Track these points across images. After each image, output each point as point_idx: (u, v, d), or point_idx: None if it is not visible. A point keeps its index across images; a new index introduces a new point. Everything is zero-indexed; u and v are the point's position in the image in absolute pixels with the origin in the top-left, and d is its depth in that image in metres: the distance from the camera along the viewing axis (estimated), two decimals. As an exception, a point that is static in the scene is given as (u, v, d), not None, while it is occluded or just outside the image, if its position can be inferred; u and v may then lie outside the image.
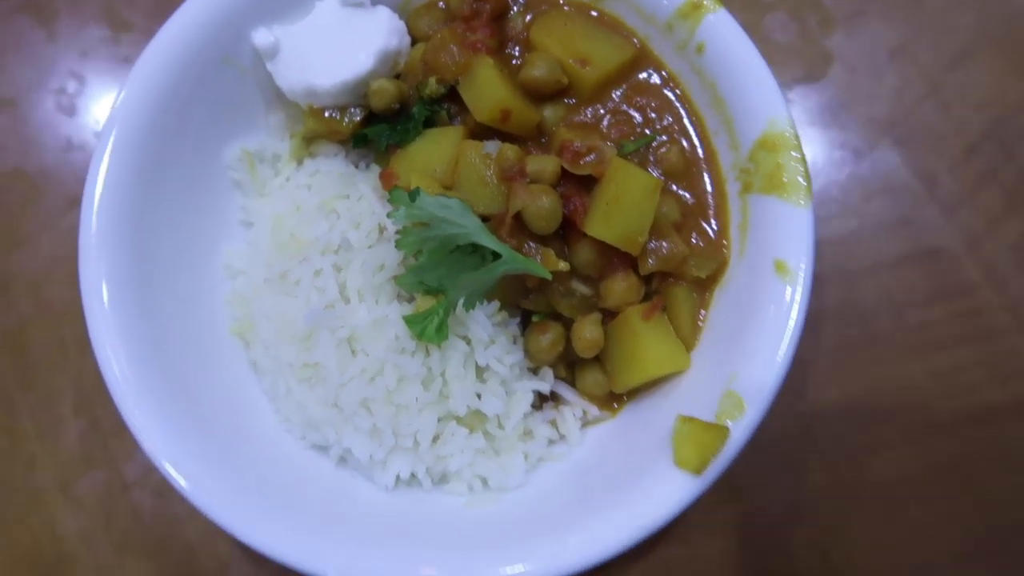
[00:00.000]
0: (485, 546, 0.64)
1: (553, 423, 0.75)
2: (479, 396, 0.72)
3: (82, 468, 0.80)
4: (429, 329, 0.70)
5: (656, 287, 0.75)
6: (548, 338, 0.73)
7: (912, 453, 0.81)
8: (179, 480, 0.63)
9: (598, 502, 0.65)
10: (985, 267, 0.87)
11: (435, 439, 0.72)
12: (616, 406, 0.76)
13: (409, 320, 0.70)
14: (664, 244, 0.73)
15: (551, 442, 0.75)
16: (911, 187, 0.91)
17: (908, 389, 0.83)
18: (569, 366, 0.77)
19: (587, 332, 0.72)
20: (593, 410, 0.75)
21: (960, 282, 0.87)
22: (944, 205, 0.90)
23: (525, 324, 0.76)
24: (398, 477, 0.71)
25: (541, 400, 0.77)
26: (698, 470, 0.62)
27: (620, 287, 0.72)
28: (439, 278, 0.70)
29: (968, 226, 0.89)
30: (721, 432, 0.63)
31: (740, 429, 0.63)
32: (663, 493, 0.63)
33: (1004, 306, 0.86)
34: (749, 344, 0.67)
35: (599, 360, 0.75)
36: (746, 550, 0.79)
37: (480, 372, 0.73)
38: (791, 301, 0.66)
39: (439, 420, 0.71)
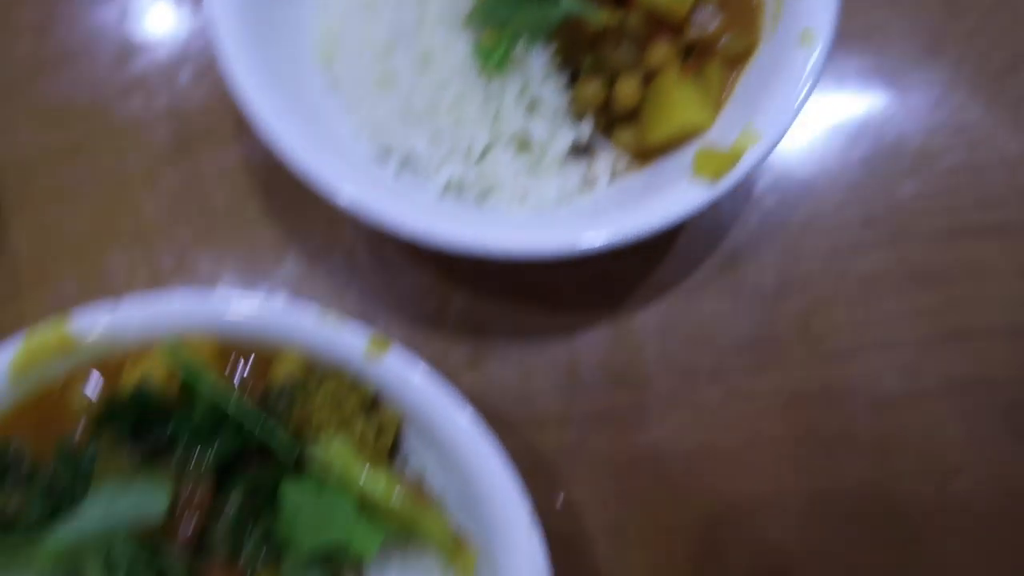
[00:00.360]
0: (526, 228, 0.75)
1: (587, 168, 0.86)
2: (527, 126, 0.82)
3: (165, 166, 0.91)
4: (493, 59, 0.80)
5: (693, 61, 0.85)
6: (593, 87, 0.83)
7: (894, 255, 0.92)
8: (283, 146, 0.73)
9: (626, 207, 0.75)
10: (984, 109, 0.98)
11: (484, 155, 0.82)
12: (645, 161, 0.86)
13: (477, 48, 0.81)
14: (704, 18, 0.83)
15: (583, 187, 0.85)
16: (922, 39, 1.01)
17: (898, 203, 0.94)
18: (608, 125, 0.87)
19: (628, 86, 0.83)
20: (623, 161, 0.86)
21: (961, 120, 0.97)
22: (950, 53, 1.00)
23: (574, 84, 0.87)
24: (449, 182, 0.81)
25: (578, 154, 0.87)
26: (715, 178, 0.73)
27: (662, 50, 0.82)
28: (506, 15, 0.81)
29: (976, 73, 0.99)
30: (736, 153, 0.74)
31: (753, 153, 0.74)
32: (684, 195, 0.73)
33: (991, 146, 0.96)
34: (768, 96, 0.77)
35: (635, 118, 0.86)
36: (738, 314, 0.90)
37: (531, 107, 0.83)
38: (810, 59, 0.76)
39: (491, 138, 0.82)
